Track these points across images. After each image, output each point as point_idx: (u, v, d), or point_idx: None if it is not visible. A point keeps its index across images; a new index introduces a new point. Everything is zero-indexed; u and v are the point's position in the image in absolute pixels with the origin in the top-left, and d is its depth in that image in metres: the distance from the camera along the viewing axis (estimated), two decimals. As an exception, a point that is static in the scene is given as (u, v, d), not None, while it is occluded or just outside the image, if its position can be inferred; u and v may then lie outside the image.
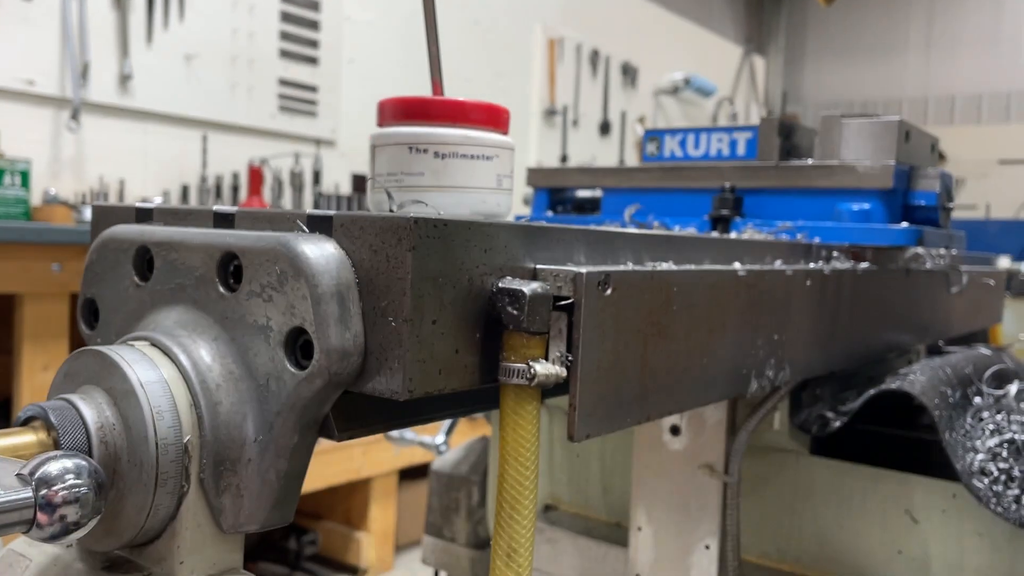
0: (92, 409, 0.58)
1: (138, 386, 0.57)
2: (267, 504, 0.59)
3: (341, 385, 0.58)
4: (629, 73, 6.61)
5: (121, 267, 0.69)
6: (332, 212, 0.60)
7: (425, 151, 0.74)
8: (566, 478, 1.48)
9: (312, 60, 4.42)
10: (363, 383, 0.59)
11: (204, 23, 3.90)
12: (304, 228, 0.61)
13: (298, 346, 0.58)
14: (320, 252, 0.58)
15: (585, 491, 1.47)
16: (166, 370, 0.59)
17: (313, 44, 4.42)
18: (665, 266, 0.77)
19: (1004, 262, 2.86)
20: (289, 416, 0.58)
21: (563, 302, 0.64)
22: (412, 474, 3.87)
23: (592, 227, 0.74)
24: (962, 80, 9.57)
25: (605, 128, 6.41)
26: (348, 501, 3.74)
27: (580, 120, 6.19)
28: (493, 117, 0.77)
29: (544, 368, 0.61)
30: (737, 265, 0.88)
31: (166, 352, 0.61)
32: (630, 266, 0.75)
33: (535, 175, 1.66)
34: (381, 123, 0.79)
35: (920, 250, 1.38)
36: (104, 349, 0.59)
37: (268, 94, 4.21)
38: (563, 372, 0.62)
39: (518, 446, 0.62)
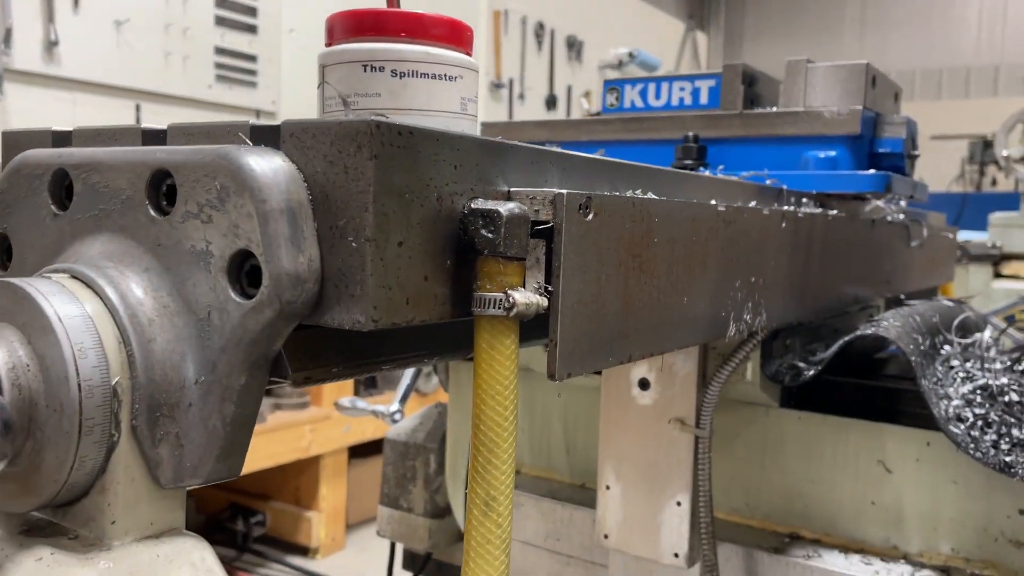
0: (1, 348, 0.49)
1: (56, 321, 0.49)
2: (211, 455, 0.52)
3: (294, 316, 0.51)
4: (574, 47, 6.55)
5: (36, 195, 0.60)
6: (280, 122, 0.53)
7: (381, 69, 0.67)
8: (527, 440, 1.43)
9: (251, 28, 4.25)
10: (320, 314, 0.52)
11: (134, -13, 3.71)
12: (247, 141, 0.54)
13: (244, 272, 0.51)
14: (267, 164, 0.50)
15: (548, 453, 1.42)
16: (89, 304, 0.51)
17: (251, 12, 4.25)
18: (647, 196, 0.71)
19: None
20: (235, 353, 0.51)
21: (541, 226, 0.58)
22: (362, 451, 3.79)
23: (567, 151, 0.67)
24: (895, 58, 9.76)
25: (552, 102, 6.35)
26: (297, 480, 3.65)
27: (526, 94, 6.12)
28: (456, 34, 0.70)
29: (524, 296, 0.55)
30: (715, 201, 0.83)
31: (89, 285, 0.53)
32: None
33: (489, 130, 1.59)
34: (330, 42, 0.71)
35: (881, 203, 1.36)
36: (16, 281, 0.51)
37: (204, 63, 4.03)
38: (544, 301, 0.56)
39: (495, 383, 0.56)
